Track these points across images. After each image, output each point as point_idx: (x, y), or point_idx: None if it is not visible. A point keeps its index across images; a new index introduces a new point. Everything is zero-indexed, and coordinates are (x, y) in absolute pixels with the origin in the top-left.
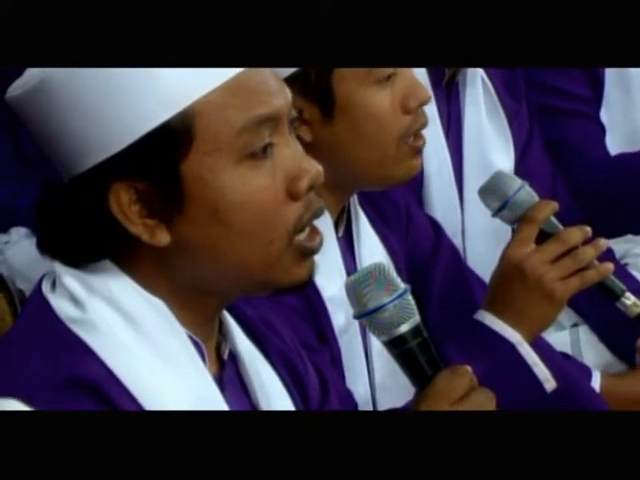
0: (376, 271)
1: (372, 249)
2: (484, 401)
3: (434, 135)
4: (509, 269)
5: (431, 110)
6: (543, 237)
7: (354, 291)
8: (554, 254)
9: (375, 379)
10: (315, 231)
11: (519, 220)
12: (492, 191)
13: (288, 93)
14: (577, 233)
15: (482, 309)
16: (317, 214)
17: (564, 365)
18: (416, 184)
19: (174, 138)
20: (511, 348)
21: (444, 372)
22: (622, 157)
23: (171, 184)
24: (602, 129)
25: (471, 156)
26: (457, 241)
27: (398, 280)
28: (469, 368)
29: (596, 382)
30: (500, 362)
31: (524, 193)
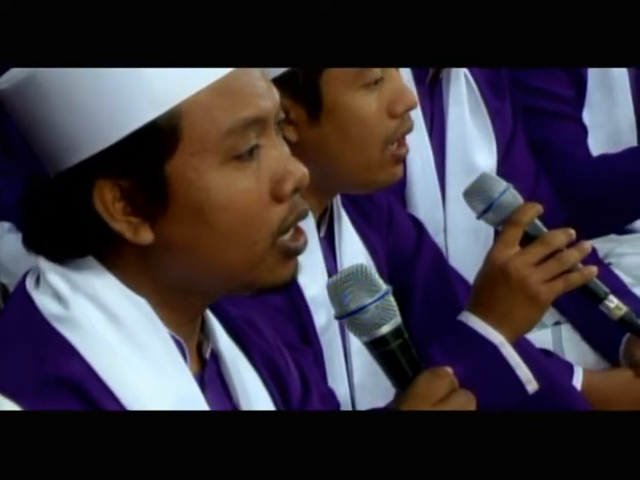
0: (358, 272)
1: (353, 249)
2: (464, 403)
3: (417, 134)
4: (493, 271)
5: (415, 109)
6: (527, 239)
7: (335, 292)
8: (538, 256)
9: (354, 379)
10: (299, 231)
11: (503, 222)
12: (477, 193)
13: (276, 94)
14: (561, 236)
15: (465, 310)
16: (301, 216)
17: (545, 364)
18: (399, 183)
19: (160, 137)
20: (494, 349)
21: (425, 373)
22: (604, 158)
23: (155, 183)
24: (584, 130)
25: (454, 155)
26: (439, 239)
27: (380, 281)
28: (450, 370)
29: (578, 379)
30: (482, 363)
31: (509, 196)
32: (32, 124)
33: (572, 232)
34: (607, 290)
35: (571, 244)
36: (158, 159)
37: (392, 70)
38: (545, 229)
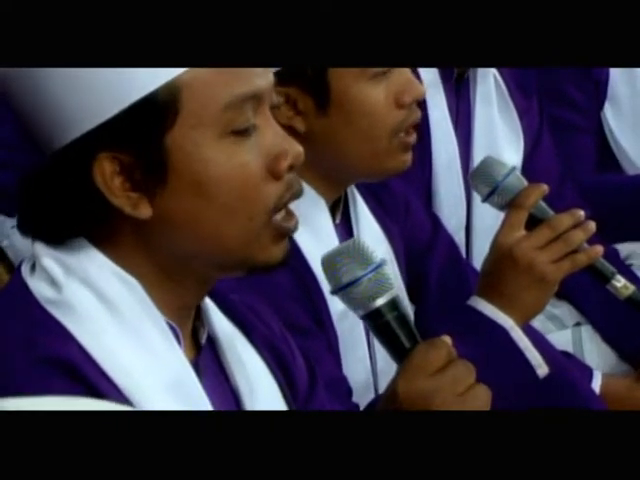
0: (350, 246)
1: (372, 235)
2: (462, 372)
3: (444, 131)
4: (500, 255)
5: (441, 105)
6: (533, 221)
7: (329, 266)
8: (544, 240)
9: (377, 365)
10: (291, 213)
11: (509, 205)
12: (481, 176)
13: (271, 76)
14: (567, 219)
15: (474, 295)
16: (296, 195)
17: (565, 364)
18: (424, 179)
19: (160, 109)
20: (503, 333)
21: (421, 344)
22: (605, 180)
23: (155, 155)
24: (591, 142)
25: (481, 153)
26: (460, 237)
27: (373, 254)
28: (448, 340)
29: (597, 383)
30: (492, 347)
31: (513, 178)
32: (29, 102)
33: (579, 213)
34: (614, 270)
35: (576, 226)
36: (157, 131)
37: None
38: (551, 211)
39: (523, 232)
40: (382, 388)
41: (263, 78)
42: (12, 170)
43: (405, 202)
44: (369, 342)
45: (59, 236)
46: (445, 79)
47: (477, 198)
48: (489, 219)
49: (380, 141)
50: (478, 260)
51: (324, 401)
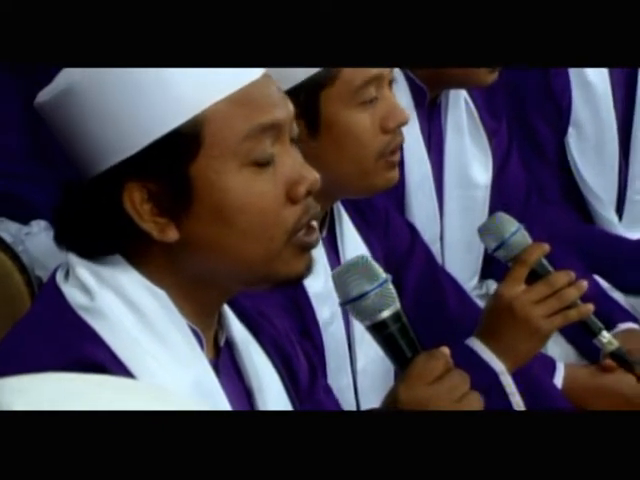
0: (359, 262)
1: (356, 248)
2: (458, 382)
3: (417, 152)
4: (500, 306)
5: (414, 128)
6: (534, 276)
7: (339, 280)
8: (541, 295)
9: (357, 366)
10: (312, 228)
11: (513, 259)
12: (490, 232)
13: (290, 106)
14: (563, 277)
15: (474, 336)
16: (314, 217)
17: (529, 367)
18: (398, 193)
19: (184, 142)
20: (494, 376)
21: (422, 355)
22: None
23: (180, 184)
24: (557, 177)
25: (452, 172)
26: (436, 248)
27: (380, 270)
28: (447, 351)
29: (560, 374)
30: (481, 386)
31: (519, 236)
32: (68, 133)
33: (572, 275)
34: (601, 326)
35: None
36: (182, 162)
37: (386, 90)
38: (550, 267)
39: (523, 286)
40: (361, 387)
41: (282, 109)
42: (28, 181)
43: (386, 215)
44: (350, 345)
45: (94, 253)
46: (418, 103)
47: (448, 213)
48: (458, 233)
49: (367, 162)
50: (450, 268)
51: (323, 398)
